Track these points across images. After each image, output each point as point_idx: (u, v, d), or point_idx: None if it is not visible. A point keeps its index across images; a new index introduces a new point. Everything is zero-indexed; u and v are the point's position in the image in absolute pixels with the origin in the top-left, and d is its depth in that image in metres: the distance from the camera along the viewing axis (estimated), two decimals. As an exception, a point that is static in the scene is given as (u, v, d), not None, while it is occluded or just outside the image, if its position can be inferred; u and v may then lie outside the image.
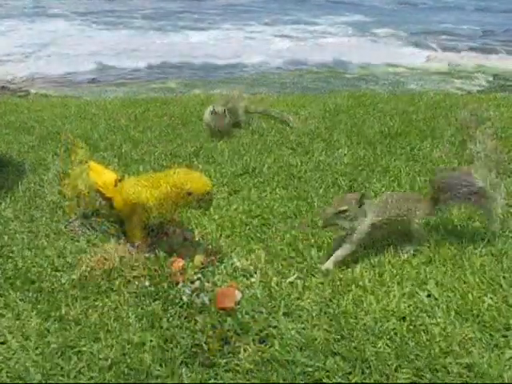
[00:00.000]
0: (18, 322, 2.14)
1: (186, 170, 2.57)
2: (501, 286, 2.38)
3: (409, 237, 2.64)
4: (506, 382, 1.88)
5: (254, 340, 2.04)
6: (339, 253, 2.47)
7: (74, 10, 23.92)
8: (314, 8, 26.16)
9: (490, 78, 14.99)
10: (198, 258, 2.49)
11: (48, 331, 2.09)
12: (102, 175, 2.99)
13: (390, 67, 16.65)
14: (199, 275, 2.40)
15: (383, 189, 3.29)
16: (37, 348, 2.01)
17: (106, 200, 2.87)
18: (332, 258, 2.48)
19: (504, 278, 2.43)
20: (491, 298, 2.29)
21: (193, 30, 21.42)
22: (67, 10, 23.98)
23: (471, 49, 18.93)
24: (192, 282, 2.36)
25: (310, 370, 1.91)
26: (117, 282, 2.37)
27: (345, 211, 2.41)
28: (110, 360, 1.95)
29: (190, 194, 2.41)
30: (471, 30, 22.45)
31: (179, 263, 2.47)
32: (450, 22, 23.45)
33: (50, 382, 1.87)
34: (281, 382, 1.87)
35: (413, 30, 21.91)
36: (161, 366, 1.93)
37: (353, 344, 2.00)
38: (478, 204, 2.70)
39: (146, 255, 2.55)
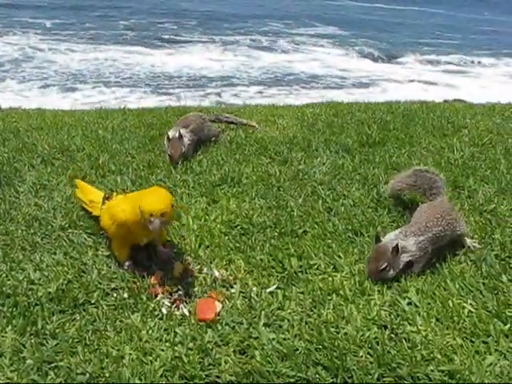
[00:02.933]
0: (-8, 338, 2.09)
1: (152, 189, 2.47)
2: (480, 292, 2.39)
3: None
4: (488, 388, 1.88)
5: (234, 351, 2.03)
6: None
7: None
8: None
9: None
10: (178, 268, 2.47)
11: (24, 346, 2.04)
12: (89, 194, 2.96)
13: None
14: (178, 287, 2.38)
15: (362, 197, 3.29)
16: (12, 364, 1.96)
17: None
18: None
19: (483, 284, 2.44)
20: (471, 305, 2.30)
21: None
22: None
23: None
24: (171, 294, 2.34)
25: (291, 380, 1.90)
26: (95, 295, 2.33)
27: (385, 268, 2.44)
28: (88, 374, 1.91)
29: (140, 210, 2.26)
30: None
31: (158, 275, 2.44)
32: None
33: (26, 398, 1.83)
34: (262, 393, 1.85)
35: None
36: (140, 379, 1.90)
37: (334, 353, 1.99)
38: None
39: (126, 267, 2.52)
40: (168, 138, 3.92)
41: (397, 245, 2.44)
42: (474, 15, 35.13)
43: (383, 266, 2.43)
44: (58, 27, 22.95)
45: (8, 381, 1.88)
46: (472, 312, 2.25)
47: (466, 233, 2.77)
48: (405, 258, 2.48)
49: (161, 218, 2.22)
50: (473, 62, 21.78)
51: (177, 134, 3.91)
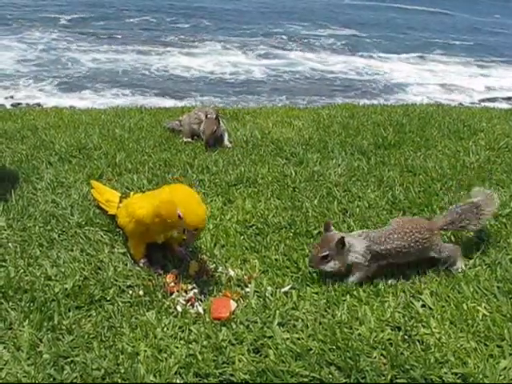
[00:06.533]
0: (9, 332, 2.12)
1: (189, 191, 2.43)
2: (495, 295, 2.38)
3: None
4: (502, 392, 1.88)
5: (248, 350, 2.04)
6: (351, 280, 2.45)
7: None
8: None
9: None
10: (193, 266, 2.48)
11: (40, 341, 2.07)
12: (105, 193, 3.00)
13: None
14: (193, 285, 2.39)
15: (377, 199, 3.29)
16: (29, 358, 1.99)
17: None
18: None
19: (498, 288, 2.43)
20: (485, 308, 2.29)
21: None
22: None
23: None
24: (186, 292, 2.36)
25: (305, 380, 1.90)
26: (110, 292, 2.36)
27: (326, 256, 2.39)
28: (103, 370, 1.93)
29: (180, 217, 2.25)
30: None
31: (173, 273, 2.46)
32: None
33: (43, 392, 1.86)
34: (276, 392, 1.86)
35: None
36: (154, 376, 1.92)
37: (348, 354, 2.00)
38: None
39: (141, 264, 2.54)
40: (206, 116, 4.23)
41: (342, 238, 2.37)
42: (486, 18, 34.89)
43: (324, 254, 2.38)
44: (74, 24, 23.02)
45: (25, 374, 1.91)
46: (486, 315, 2.24)
47: (451, 256, 2.57)
48: (349, 257, 2.42)
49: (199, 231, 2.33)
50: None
51: (214, 115, 4.23)
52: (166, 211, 2.32)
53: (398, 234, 2.47)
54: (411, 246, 2.46)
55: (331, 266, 2.41)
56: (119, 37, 21.62)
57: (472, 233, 2.90)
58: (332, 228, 2.49)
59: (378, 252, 2.43)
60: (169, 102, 12.05)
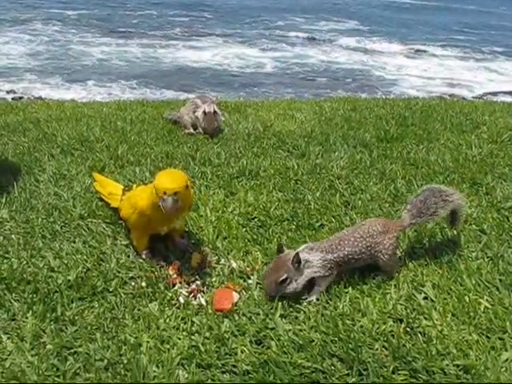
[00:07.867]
0: (13, 323, 2.13)
1: (168, 170, 2.54)
2: (497, 288, 2.38)
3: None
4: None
5: (251, 341, 2.04)
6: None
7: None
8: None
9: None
10: (196, 258, 2.49)
11: (44, 332, 2.08)
12: (107, 186, 3.00)
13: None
14: (196, 277, 2.40)
15: (379, 192, 3.29)
16: (32, 349, 2.00)
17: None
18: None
19: (500, 280, 2.43)
20: (487, 301, 2.29)
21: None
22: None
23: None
24: (189, 284, 2.36)
25: (307, 371, 1.91)
26: (113, 283, 2.36)
27: (285, 280, 2.25)
28: (106, 361, 1.94)
29: (155, 188, 2.25)
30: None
31: (176, 265, 2.46)
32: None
33: (46, 382, 1.86)
34: (278, 383, 1.87)
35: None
36: (157, 367, 1.92)
37: (350, 346, 2.00)
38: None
39: (144, 256, 2.55)
40: (204, 112, 4.27)
41: (297, 254, 2.24)
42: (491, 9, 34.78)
43: (283, 277, 2.22)
44: (79, 18, 22.99)
45: (29, 364, 1.92)
46: (488, 308, 2.25)
47: (389, 264, 2.44)
48: (308, 273, 2.28)
49: (173, 197, 2.23)
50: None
51: (212, 109, 4.27)
52: (153, 195, 2.32)
53: (348, 240, 2.38)
54: (362, 251, 2.38)
55: (293, 287, 2.26)
56: (123, 30, 21.57)
57: (474, 225, 2.91)
58: (284, 249, 2.36)
59: (333, 260, 2.33)
60: (176, 95, 12.02)
